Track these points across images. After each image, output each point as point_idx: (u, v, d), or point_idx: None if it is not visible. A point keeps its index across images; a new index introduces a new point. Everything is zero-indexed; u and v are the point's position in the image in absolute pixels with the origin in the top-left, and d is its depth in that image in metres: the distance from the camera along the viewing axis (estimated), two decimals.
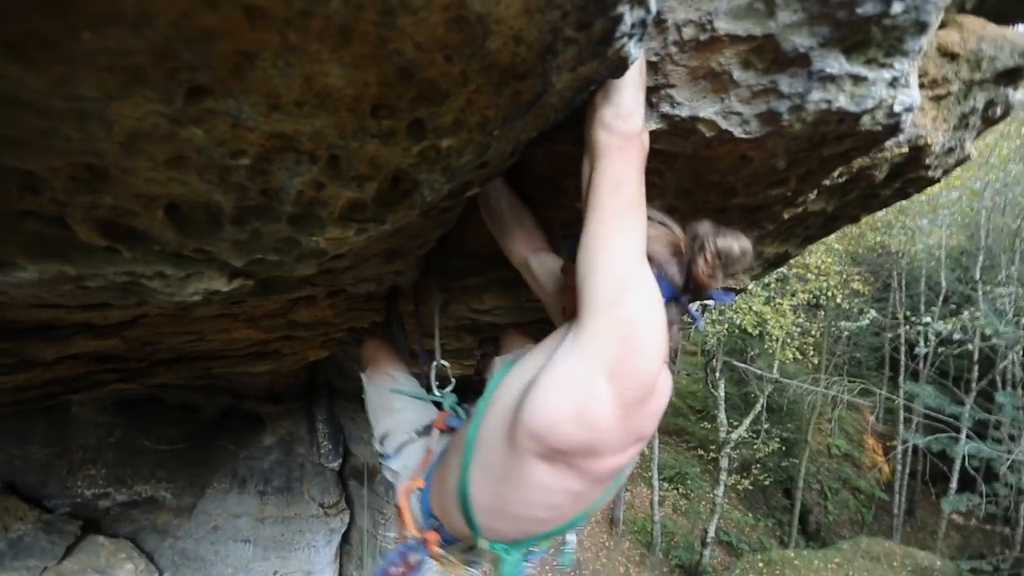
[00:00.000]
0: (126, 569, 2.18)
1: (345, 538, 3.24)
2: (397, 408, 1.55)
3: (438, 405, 1.52)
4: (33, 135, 0.62)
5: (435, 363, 1.66)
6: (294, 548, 2.77)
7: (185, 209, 0.83)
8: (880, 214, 9.58)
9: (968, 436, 10.01)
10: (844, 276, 11.28)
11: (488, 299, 1.83)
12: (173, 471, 2.54)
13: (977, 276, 10.63)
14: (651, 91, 1.00)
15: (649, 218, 0.96)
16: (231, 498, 2.72)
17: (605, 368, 0.86)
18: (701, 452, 13.68)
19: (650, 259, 0.94)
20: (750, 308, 9.92)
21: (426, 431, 1.45)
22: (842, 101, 0.93)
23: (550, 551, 1.19)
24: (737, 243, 0.94)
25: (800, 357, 11.75)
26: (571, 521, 1.05)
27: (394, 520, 1.37)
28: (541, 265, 1.31)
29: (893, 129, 1.01)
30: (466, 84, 0.77)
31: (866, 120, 0.98)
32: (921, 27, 0.86)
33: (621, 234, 0.89)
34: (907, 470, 13.05)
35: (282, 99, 0.69)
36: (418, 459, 1.38)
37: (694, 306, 1.07)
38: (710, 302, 1.08)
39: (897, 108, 0.97)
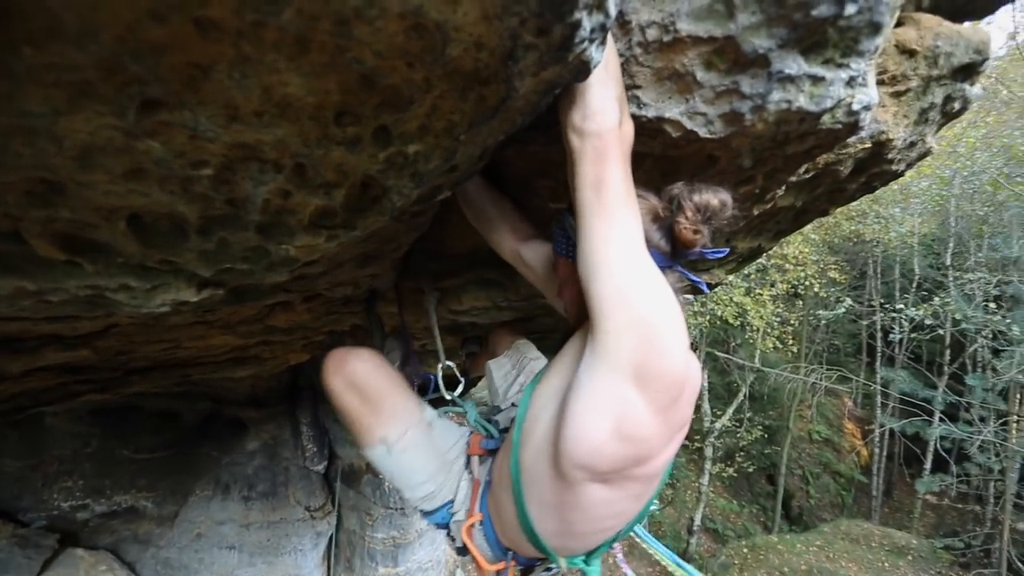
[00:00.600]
0: None
1: (332, 541, 3.22)
2: (434, 454, 1.32)
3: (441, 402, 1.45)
4: None
5: (441, 364, 1.60)
6: (281, 553, 2.75)
7: (148, 220, 0.82)
8: (854, 204, 9.80)
9: (941, 419, 10.33)
10: (821, 266, 11.52)
11: (466, 299, 1.84)
12: (154, 480, 2.49)
13: (948, 262, 10.94)
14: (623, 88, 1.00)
15: None
16: (215, 505, 2.69)
17: (632, 376, 0.83)
18: (686, 442, 13.86)
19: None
20: (731, 299, 10.09)
21: (463, 461, 1.35)
22: (802, 101, 0.95)
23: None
24: (715, 196, 0.94)
25: (780, 346, 12.00)
26: (638, 516, 1.06)
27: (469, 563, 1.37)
28: (533, 254, 1.29)
29: (853, 127, 1.04)
30: (430, 90, 0.77)
31: (826, 119, 1.00)
32: (875, 28, 0.88)
33: (614, 233, 0.87)
34: (884, 453, 13.43)
35: (241, 110, 0.68)
36: (466, 492, 1.29)
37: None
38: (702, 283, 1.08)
39: (856, 107, 0.99)
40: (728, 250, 1.05)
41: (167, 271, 0.90)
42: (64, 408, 2.11)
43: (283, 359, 2.35)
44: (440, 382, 1.58)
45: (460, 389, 1.53)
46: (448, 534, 1.33)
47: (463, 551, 1.25)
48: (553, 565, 1.14)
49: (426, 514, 1.33)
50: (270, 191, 0.83)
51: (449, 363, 1.62)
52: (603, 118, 0.91)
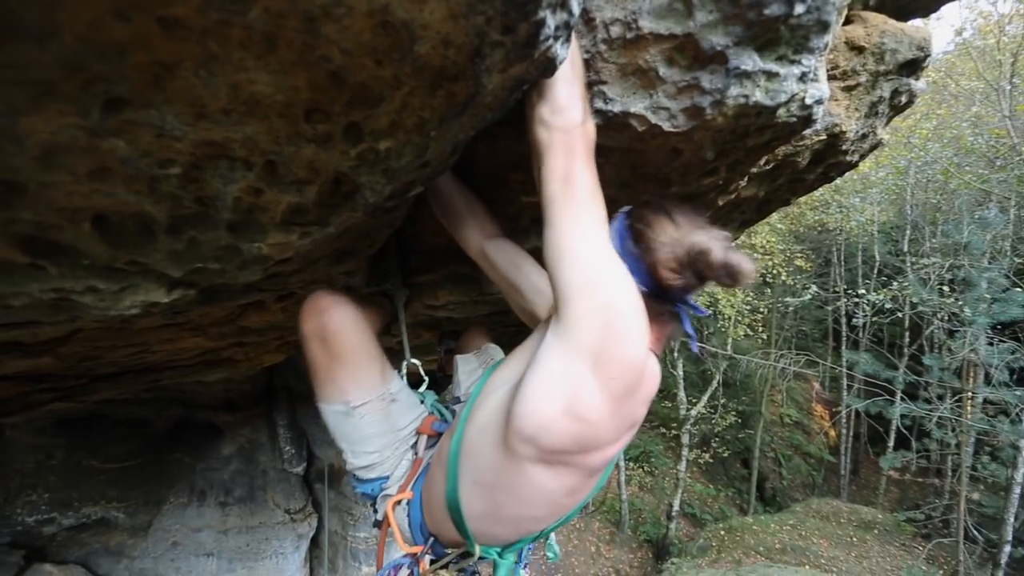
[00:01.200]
0: None
1: (314, 542, 3.20)
2: (388, 428, 1.30)
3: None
4: None
5: (405, 361, 1.59)
6: (261, 557, 2.71)
7: (115, 220, 0.80)
8: (817, 193, 10.15)
9: (902, 398, 10.82)
10: (788, 254, 11.88)
11: (442, 295, 1.85)
12: (124, 490, 2.42)
13: (905, 248, 11.43)
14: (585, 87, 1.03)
15: (670, 218, 0.94)
16: (190, 512, 2.63)
17: (590, 358, 0.84)
18: (663, 430, 14.18)
19: (654, 259, 0.92)
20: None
21: (411, 441, 1.33)
22: (758, 95, 0.99)
23: (537, 549, 1.19)
24: (746, 261, 0.89)
25: (751, 333, 12.35)
26: (567, 516, 1.05)
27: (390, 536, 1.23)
28: (499, 252, 1.30)
29: (807, 120, 1.09)
30: (399, 87, 0.78)
31: (781, 112, 1.05)
32: (823, 26, 0.93)
33: (580, 225, 0.89)
34: (851, 433, 13.97)
35: (208, 107, 0.68)
36: (404, 470, 1.28)
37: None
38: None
39: (808, 100, 1.04)
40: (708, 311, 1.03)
41: (135, 272, 0.88)
42: (25, 419, 2.03)
43: (257, 360, 2.31)
44: (403, 378, 1.52)
45: (424, 386, 1.50)
46: (372, 505, 1.32)
47: (379, 524, 1.25)
48: (468, 562, 1.13)
49: (359, 481, 1.30)
50: (241, 189, 0.83)
51: (415, 360, 1.60)
52: (570, 114, 0.93)
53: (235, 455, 2.74)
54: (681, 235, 0.93)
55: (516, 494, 0.96)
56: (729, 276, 0.88)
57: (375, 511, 1.30)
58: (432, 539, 1.14)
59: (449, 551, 1.15)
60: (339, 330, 1.22)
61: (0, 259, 0.75)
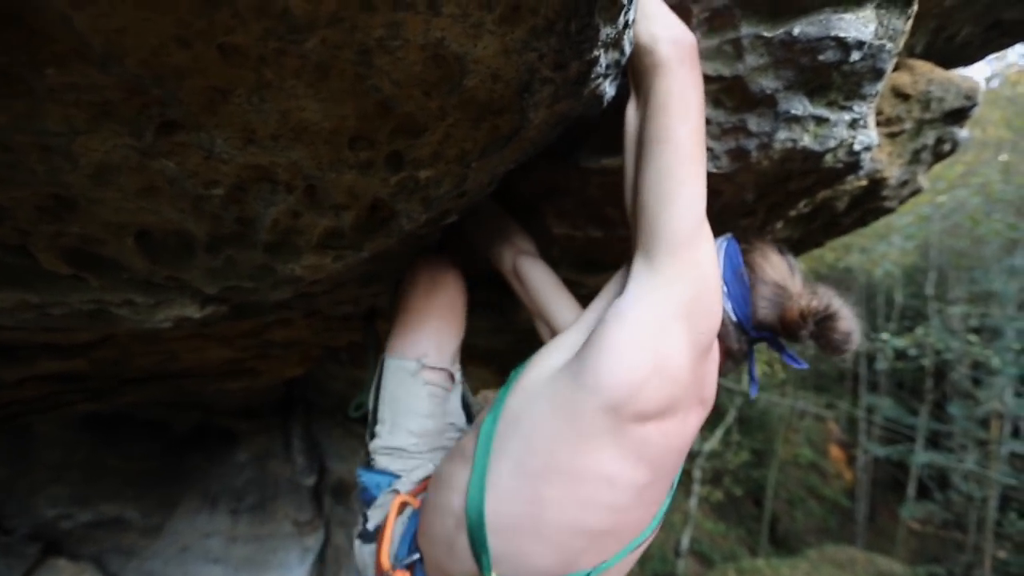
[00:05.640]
0: None
1: (320, 557, 3.15)
2: (440, 413, 1.19)
3: None
4: None
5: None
6: (267, 568, 2.69)
7: (157, 237, 0.81)
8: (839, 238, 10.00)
9: (924, 446, 10.42)
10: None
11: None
12: (141, 489, 2.43)
13: (930, 292, 11.14)
14: None
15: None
16: (201, 517, 2.62)
17: (683, 308, 0.77)
18: None
19: (758, 293, 0.90)
20: None
21: (447, 444, 1.18)
22: (806, 140, 0.97)
23: None
24: (855, 326, 0.88)
25: (768, 371, 12.06)
26: (624, 549, 0.84)
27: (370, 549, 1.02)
28: (531, 271, 1.22)
29: (853, 166, 1.06)
30: (444, 118, 0.78)
31: (828, 158, 1.02)
32: (878, 74, 0.91)
33: (694, 171, 0.81)
34: (869, 478, 13.46)
35: (257, 133, 0.68)
36: (421, 477, 1.11)
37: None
38: None
39: (857, 147, 1.02)
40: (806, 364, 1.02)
41: (172, 287, 0.89)
42: (54, 416, 2.06)
43: (278, 373, 2.32)
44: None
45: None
46: (365, 512, 1.11)
47: (366, 536, 1.05)
48: None
49: (368, 470, 1.14)
50: (280, 211, 0.84)
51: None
52: (682, 29, 0.81)
53: (249, 463, 2.75)
54: (796, 283, 0.92)
55: (571, 484, 0.76)
56: (844, 345, 0.86)
57: (365, 520, 1.09)
58: (416, 561, 0.92)
59: None
60: (450, 285, 1.22)
61: (45, 270, 0.76)
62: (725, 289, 0.90)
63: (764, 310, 0.92)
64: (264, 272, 0.92)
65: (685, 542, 10.63)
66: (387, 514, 1.00)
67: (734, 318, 0.91)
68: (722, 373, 0.94)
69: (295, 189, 0.81)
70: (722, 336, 0.88)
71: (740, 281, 0.93)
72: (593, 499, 0.77)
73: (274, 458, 2.81)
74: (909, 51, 1.33)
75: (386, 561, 0.92)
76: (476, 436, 0.86)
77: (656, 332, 0.76)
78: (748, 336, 0.94)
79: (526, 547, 0.78)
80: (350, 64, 0.64)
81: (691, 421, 0.86)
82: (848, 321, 0.87)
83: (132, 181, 0.68)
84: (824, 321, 0.87)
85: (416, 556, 0.92)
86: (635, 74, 0.86)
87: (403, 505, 1.01)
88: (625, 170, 0.91)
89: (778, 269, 0.94)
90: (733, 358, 0.95)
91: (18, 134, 0.57)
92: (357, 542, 1.07)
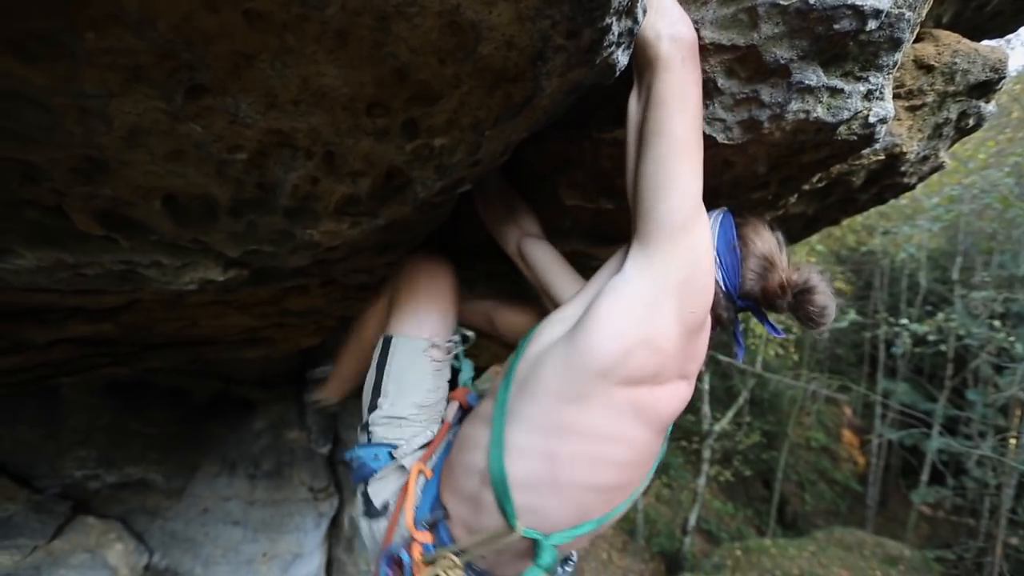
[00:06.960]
0: (116, 549, 2.21)
1: (334, 522, 3.28)
2: (444, 388, 1.28)
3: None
4: (34, 129, 0.64)
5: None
6: (284, 531, 2.80)
7: (182, 201, 0.85)
8: (859, 218, 9.78)
9: (940, 432, 10.31)
10: (829, 275, 11.44)
11: (477, 292, 1.87)
12: (163, 454, 2.54)
13: (955, 277, 10.87)
14: None
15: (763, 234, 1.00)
16: (221, 481, 2.74)
17: (675, 288, 0.85)
18: (684, 443, 13.92)
19: (747, 266, 0.97)
20: None
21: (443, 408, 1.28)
22: (819, 112, 0.97)
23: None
24: (832, 311, 0.96)
25: (783, 353, 11.97)
26: (626, 500, 0.96)
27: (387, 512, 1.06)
28: (535, 252, 1.29)
29: (868, 139, 1.06)
30: (458, 86, 0.80)
31: (842, 130, 1.02)
32: (895, 43, 0.90)
33: (690, 163, 0.86)
34: (882, 463, 13.41)
35: (279, 98, 0.71)
36: (419, 444, 1.18)
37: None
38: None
39: (872, 120, 1.01)
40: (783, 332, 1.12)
41: (197, 250, 0.93)
42: (81, 380, 2.16)
43: (294, 342, 2.39)
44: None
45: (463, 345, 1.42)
46: (364, 491, 1.15)
47: (371, 513, 1.10)
48: (498, 542, 0.91)
49: (367, 444, 1.20)
50: (300, 177, 0.86)
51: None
52: (686, 26, 0.86)
53: (265, 430, 2.84)
54: (783, 258, 0.99)
55: (580, 442, 0.86)
56: (819, 318, 0.93)
57: (365, 499, 1.14)
58: (441, 519, 0.99)
59: (461, 538, 0.96)
60: (448, 276, 1.38)
61: (79, 231, 0.80)
62: (718, 260, 0.96)
63: (751, 281, 0.98)
64: (284, 237, 0.96)
65: (692, 520, 10.77)
66: (405, 482, 1.08)
67: (724, 288, 0.97)
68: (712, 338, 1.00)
69: (314, 155, 0.84)
70: (713, 304, 0.93)
71: (732, 253, 0.98)
72: (602, 456, 0.88)
73: (290, 427, 2.90)
74: (936, 21, 1.30)
75: (410, 521, 1.00)
76: (493, 400, 0.97)
77: (647, 308, 0.85)
78: (735, 305, 1.00)
79: (544, 500, 0.88)
80: (368, 30, 0.66)
81: (681, 392, 0.95)
82: (824, 296, 0.94)
83: (161, 144, 0.71)
84: (802, 294, 0.94)
85: (440, 513, 1.00)
86: (637, 66, 0.91)
87: (421, 472, 1.09)
88: (627, 158, 0.95)
89: (767, 243, 1.00)
90: (721, 324, 1.01)
91: (58, 96, 0.60)
92: (364, 521, 1.14)
